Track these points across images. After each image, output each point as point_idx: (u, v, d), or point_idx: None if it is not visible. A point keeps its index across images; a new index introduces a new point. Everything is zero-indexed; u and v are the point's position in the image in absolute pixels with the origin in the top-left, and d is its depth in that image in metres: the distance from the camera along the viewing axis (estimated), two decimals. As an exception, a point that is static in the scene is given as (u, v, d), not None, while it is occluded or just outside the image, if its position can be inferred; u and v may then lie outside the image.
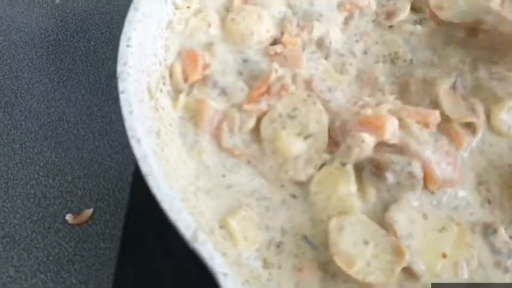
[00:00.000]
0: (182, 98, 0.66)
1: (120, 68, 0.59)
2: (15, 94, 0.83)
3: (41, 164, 0.77)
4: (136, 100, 0.58)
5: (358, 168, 0.62)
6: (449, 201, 0.62)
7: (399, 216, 0.59)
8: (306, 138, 0.63)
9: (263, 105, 0.65)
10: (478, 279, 0.58)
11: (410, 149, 0.62)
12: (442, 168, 0.62)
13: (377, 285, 0.56)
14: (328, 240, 0.57)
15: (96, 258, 0.71)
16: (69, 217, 0.74)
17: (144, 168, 0.54)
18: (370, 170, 0.61)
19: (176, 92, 0.66)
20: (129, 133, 0.55)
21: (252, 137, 0.64)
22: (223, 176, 0.63)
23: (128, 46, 0.60)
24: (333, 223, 0.58)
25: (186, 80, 0.66)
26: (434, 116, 0.64)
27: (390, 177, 0.61)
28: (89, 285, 0.70)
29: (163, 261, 0.65)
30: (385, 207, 0.60)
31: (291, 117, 0.64)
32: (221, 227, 0.58)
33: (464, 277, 0.57)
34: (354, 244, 0.57)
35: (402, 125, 0.62)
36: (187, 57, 0.68)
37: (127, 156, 0.77)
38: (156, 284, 0.64)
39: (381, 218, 0.59)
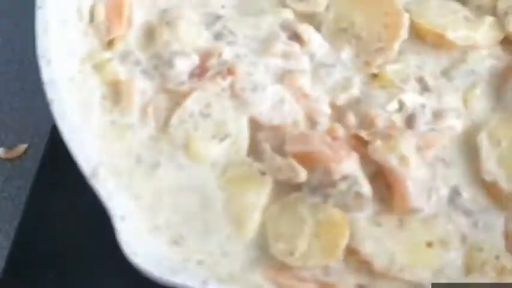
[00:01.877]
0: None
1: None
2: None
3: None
4: (56, 18, 0.52)
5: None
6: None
7: None
8: (222, 139, 0.56)
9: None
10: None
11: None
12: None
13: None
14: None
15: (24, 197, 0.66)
16: (1, 151, 0.69)
17: (50, 94, 0.47)
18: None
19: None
20: (39, 53, 0.49)
21: None
22: None
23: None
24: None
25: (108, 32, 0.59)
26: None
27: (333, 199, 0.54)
28: (11, 225, 0.64)
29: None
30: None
31: (204, 115, 0.56)
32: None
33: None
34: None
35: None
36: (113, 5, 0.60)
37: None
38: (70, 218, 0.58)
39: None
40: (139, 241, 0.44)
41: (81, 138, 0.47)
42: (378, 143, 0.55)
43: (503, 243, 0.54)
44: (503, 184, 0.55)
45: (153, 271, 0.42)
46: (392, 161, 0.54)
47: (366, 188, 0.54)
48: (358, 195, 0.53)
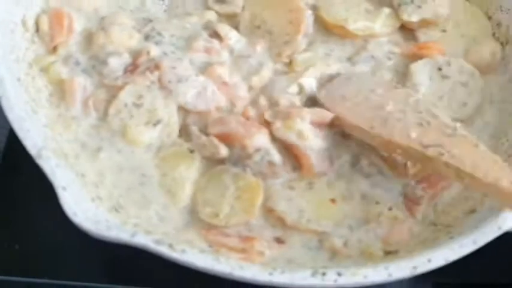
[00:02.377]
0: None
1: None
2: None
3: None
4: (3, 27, 0.60)
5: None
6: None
7: None
8: (155, 125, 0.64)
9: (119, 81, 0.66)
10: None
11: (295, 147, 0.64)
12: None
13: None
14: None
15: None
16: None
17: (-1, 91, 0.56)
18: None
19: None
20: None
21: None
22: None
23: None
24: None
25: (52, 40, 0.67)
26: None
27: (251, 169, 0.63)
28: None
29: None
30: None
31: (137, 105, 0.65)
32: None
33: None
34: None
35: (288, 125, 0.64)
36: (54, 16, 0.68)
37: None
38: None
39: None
40: (80, 206, 0.52)
41: (28, 128, 0.55)
42: (278, 123, 0.64)
43: (401, 200, 0.64)
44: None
45: (91, 228, 0.51)
46: (291, 138, 0.63)
47: (276, 157, 0.63)
48: (271, 163, 0.63)
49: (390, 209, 0.63)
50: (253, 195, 0.62)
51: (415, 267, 0.52)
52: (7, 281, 0.62)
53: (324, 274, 0.51)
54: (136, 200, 0.61)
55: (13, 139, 0.60)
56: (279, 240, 0.61)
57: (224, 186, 0.63)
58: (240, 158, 0.64)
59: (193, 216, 0.62)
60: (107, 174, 0.62)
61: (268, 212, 0.62)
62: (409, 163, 0.64)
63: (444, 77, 0.70)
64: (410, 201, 0.64)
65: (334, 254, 0.60)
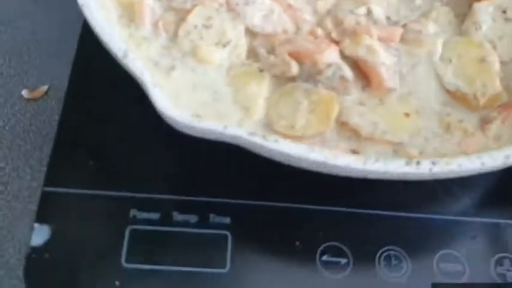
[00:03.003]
0: None
1: None
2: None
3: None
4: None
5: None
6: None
7: None
8: (224, 46, 0.65)
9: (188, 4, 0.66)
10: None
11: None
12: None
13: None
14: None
15: (50, 129, 0.74)
16: (24, 92, 0.77)
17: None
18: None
19: None
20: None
21: None
22: None
23: None
24: None
25: None
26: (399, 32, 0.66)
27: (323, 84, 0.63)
28: (43, 152, 0.72)
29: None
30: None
31: (207, 27, 0.65)
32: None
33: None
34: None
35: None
36: None
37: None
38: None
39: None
40: (168, 102, 0.52)
41: (110, 33, 0.56)
42: (347, 41, 0.65)
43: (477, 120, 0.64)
44: (466, 90, 0.64)
45: (185, 120, 0.51)
46: (361, 53, 0.64)
47: (348, 72, 0.63)
48: (343, 78, 0.63)
49: (460, 121, 0.63)
50: (328, 107, 0.62)
51: (507, 157, 0.53)
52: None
53: (418, 163, 0.51)
54: (212, 115, 0.61)
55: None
56: (355, 152, 0.61)
57: (297, 101, 0.62)
58: (310, 74, 0.64)
59: (269, 129, 0.61)
60: (182, 93, 0.62)
61: (342, 125, 0.62)
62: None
63: (507, 20, 0.70)
64: (483, 120, 0.64)
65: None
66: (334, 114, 0.62)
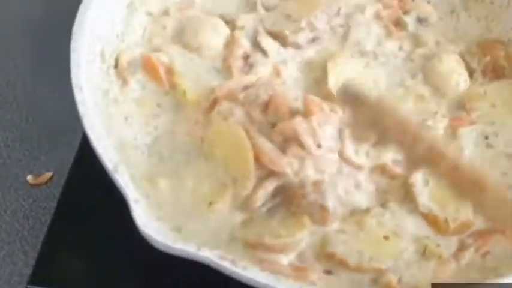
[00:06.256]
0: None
1: (75, 28, 0.66)
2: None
3: (11, 130, 0.84)
4: (85, 58, 0.65)
5: None
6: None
7: None
8: None
9: None
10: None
11: None
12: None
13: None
14: None
15: (49, 216, 0.76)
16: (29, 178, 0.80)
17: (81, 109, 0.60)
18: None
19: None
20: (73, 81, 0.62)
21: None
22: None
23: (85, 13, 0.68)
24: None
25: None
26: None
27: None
28: (39, 239, 0.75)
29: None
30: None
31: None
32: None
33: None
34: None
35: None
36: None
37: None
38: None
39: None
40: (148, 219, 0.55)
41: (104, 145, 0.59)
42: None
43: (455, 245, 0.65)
44: (438, 213, 0.65)
45: (158, 239, 0.53)
46: None
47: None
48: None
49: (438, 245, 0.64)
50: None
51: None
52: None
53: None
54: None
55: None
56: (328, 273, 0.62)
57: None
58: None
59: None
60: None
61: (329, 257, 0.63)
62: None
63: (488, 146, 0.72)
64: (458, 247, 0.65)
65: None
66: None
